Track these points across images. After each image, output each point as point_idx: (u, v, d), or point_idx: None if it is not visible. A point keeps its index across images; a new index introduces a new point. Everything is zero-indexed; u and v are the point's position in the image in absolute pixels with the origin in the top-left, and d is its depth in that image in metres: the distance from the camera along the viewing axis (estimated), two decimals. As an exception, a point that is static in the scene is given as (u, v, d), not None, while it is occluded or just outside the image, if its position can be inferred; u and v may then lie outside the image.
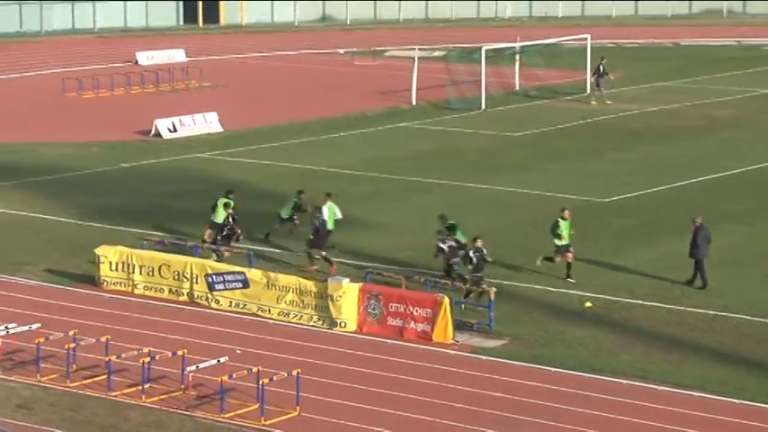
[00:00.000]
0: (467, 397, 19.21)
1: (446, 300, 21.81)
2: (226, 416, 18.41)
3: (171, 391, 19.21)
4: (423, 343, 21.61)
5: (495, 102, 45.02)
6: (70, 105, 45.29)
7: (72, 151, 37.28)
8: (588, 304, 23.68)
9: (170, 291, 23.79)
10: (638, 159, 36.57)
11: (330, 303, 22.35)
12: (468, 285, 23.33)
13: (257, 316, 22.93)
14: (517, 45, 49.03)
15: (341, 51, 58.42)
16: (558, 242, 24.76)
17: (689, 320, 22.79)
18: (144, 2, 65.70)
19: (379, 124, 41.78)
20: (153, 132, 39.39)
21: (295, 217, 26.84)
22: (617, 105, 44.92)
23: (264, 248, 26.51)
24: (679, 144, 38.71)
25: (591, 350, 21.33)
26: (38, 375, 19.79)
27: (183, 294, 23.69)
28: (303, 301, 22.65)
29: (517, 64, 48.61)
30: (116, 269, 24.20)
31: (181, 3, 66.76)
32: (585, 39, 48.78)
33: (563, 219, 24.89)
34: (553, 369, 20.34)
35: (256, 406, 18.43)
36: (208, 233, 26.36)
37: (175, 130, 39.52)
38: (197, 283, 23.54)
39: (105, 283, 24.31)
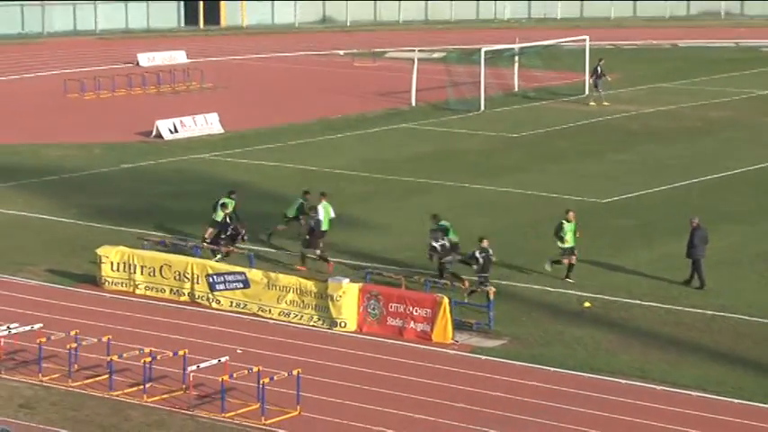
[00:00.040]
0: (466, 396, 19.28)
1: (445, 300, 21.91)
2: (227, 415, 18.48)
3: (172, 391, 19.28)
4: (422, 343, 21.69)
5: (494, 103, 45.13)
6: (71, 106, 45.38)
7: (73, 152, 37.36)
8: (587, 304, 23.77)
9: (171, 291, 23.88)
10: (637, 160, 36.66)
11: (330, 303, 22.45)
12: (467, 285, 23.45)
13: (258, 316, 23.02)
14: (516, 46, 49.14)
15: (341, 53, 58.52)
16: (561, 245, 24.75)
17: (687, 320, 22.87)
18: (145, 3, 65.83)
19: (378, 125, 41.87)
20: (154, 133, 39.49)
21: (300, 218, 26.96)
22: (615, 106, 45.02)
23: (261, 248, 26.60)
24: (677, 145, 38.81)
25: (590, 350, 21.41)
26: (40, 375, 19.87)
27: (184, 294, 23.78)
28: (303, 301, 22.75)
29: (516, 65, 48.72)
30: (117, 269, 24.29)
31: (182, 4, 66.88)
32: (584, 40, 48.89)
33: (567, 221, 24.88)
34: (552, 369, 20.41)
35: (257, 405, 18.49)
36: (209, 232, 26.48)
37: (176, 131, 39.62)
38: (198, 283, 23.62)
39: (107, 283, 24.40)
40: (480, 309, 22.62)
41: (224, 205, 26.27)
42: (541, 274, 25.21)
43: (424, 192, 32.43)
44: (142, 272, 24.11)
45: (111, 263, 24.32)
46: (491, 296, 22.42)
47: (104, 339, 20.35)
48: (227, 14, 67.95)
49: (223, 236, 25.90)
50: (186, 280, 23.72)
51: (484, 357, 21.02)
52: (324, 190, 28.02)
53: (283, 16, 68.58)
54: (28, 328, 20.94)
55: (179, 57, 55.41)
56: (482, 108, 44.18)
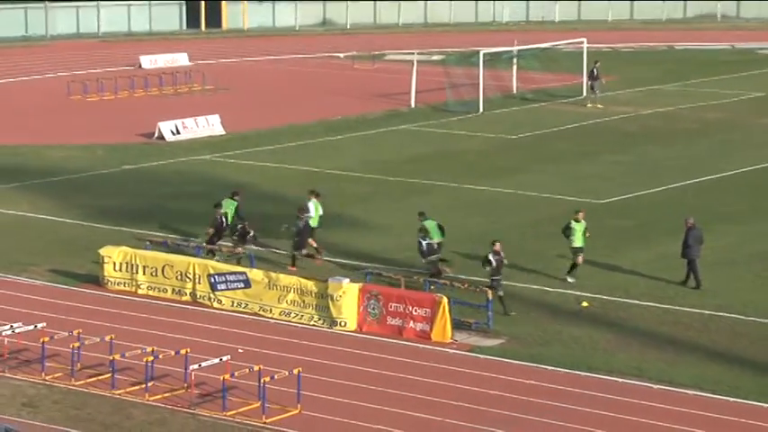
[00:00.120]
0: (465, 395, 19.37)
1: (444, 299, 22.05)
2: (228, 414, 18.56)
3: (174, 390, 19.37)
4: (422, 342, 21.81)
5: (492, 104, 45.30)
6: (74, 108, 45.54)
7: (76, 153, 37.51)
8: (585, 304, 23.89)
9: (173, 291, 24.03)
10: (634, 161, 36.80)
11: (330, 303, 22.59)
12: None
13: (259, 315, 23.14)
14: (514, 49, 49.28)
15: (341, 55, 58.69)
16: (570, 244, 24.78)
17: (684, 320, 22.97)
18: (147, 6, 66.04)
19: (378, 127, 42.05)
20: (156, 135, 39.65)
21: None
22: (613, 108, 45.22)
23: (261, 249, 26.77)
24: (674, 146, 38.97)
25: (587, 349, 21.52)
26: (43, 374, 19.96)
27: (186, 294, 23.92)
28: (304, 301, 22.89)
29: (514, 67, 48.90)
30: (120, 269, 24.43)
31: (184, 7, 67.09)
32: (582, 43, 49.11)
33: (576, 221, 24.98)
34: (550, 368, 20.50)
35: (258, 404, 18.57)
36: (212, 232, 26.71)
37: (178, 133, 39.80)
38: (200, 283, 23.76)
39: (109, 283, 24.54)
40: (480, 308, 22.77)
41: (218, 206, 26.47)
42: (540, 274, 25.37)
43: (423, 192, 32.59)
44: (144, 272, 24.25)
45: (114, 263, 24.46)
46: (489, 296, 22.57)
47: (107, 339, 20.44)
48: (229, 17, 68.16)
49: (235, 236, 25.97)
50: (188, 280, 23.86)
51: (483, 356, 21.13)
52: (314, 189, 28.21)
53: (284, 19, 68.78)
54: (31, 327, 21.01)
55: (181, 59, 55.59)
56: (481, 110, 44.36)
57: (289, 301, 23.04)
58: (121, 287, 24.40)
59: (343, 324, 22.54)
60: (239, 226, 25.95)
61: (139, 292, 24.27)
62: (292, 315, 22.97)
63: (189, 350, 19.90)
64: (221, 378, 18.80)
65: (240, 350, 21.08)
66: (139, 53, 55.98)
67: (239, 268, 23.97)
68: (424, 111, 44.77)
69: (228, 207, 26.85)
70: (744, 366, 20.75)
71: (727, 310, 23.37)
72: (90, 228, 28.98)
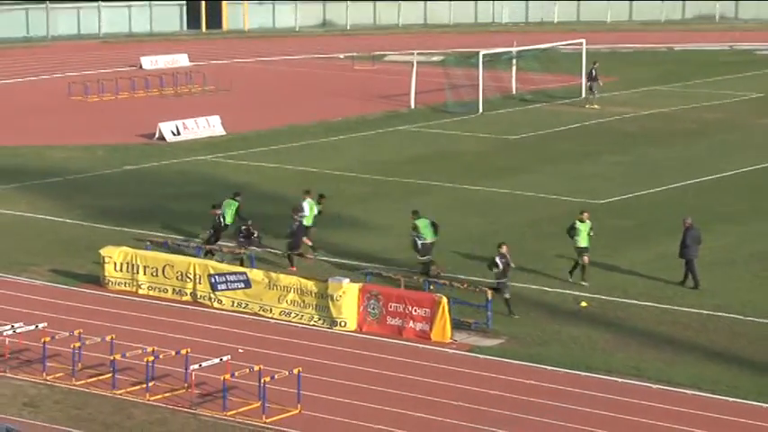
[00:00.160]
0: (465, 395, 19.43)
1: (444, 300, 22.12)
2: (228, 414, 18.60)
3: (174, 390, 19.42)
4: (421, 342, 21.86)
5: (492, 105, 45.38)
6: (75, 109, 45.63)
7: (77, 154, 37.59)
8: (583, 304, 23.96)
9: (174, 291, 24.10)
10: (633, 162, 36.86)
11: (330, 303, 22.66)
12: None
13: (259, 315, 23.20)
14: (514, 50, 49.39)
15: (341, 56, 58.79)
16: (575, 244, 24.82)
17: (683, 320, 23.02)
18: (148, 7, 66.15)
19: (378, 127, 42.13)
20: (157, 135, 39.74)
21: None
22: (612, 109, 45.33)
23: (254, 248, 26.78)
24: (673, 147, 39.05)
25: (586, 349, 21.58)
26: (44, 374, 20.02)
27: (187, 294, 23.99)
28: (304, 301, 22.97)
29: (514, 68, 49.00)
30: (120, 269, 24.50)
31: (184, 8, 67.21)
32: (581, 44, 49.23)
33: (581, 221, 25.03)
34: (549, 367, 20.55)
35: (258, 404, 18.62)
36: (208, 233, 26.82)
37: (179, 134, 39.90)
38: (200, 283, 23.83)
39: (110, 283, 24.61)
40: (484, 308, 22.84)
41: (215, 207, 26.59)
42: (540, 274, 25.45)
43: (423, 193, 32.67)
44: (145, 272, 24.32)
45: (115, 263, 24.52)
46: (488, 296, 22.64)
47: (108, 339, 20.49)
48: (229, 18, 68.28)
49: (241, 238, 26.04)
50: (188, 280, 23.93)
51: (482, 356, 21.19)
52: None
53: (284, 20, 68.89)
54: (32, 327, 21.07)
55: (181, 60, 55.70)
56: (480, 110, 44.45)
57: (289, 301, 23.11)
58: (122, 287, 24.47)
59: (343, 324, 22.61)
60: (243, 227, 26.01)
61: (140, 292, 24.34)
62: (292, 315, 23.04)
63: (189, 350, 19.95)
64: (222, 378, 18.86)
65: (240, 350, 21.13)
66: (140, 54, 56.08)
67: (239, 268, 24.04)
68: (424, 111, 44.85)
69: (230, 207, 26.95)
70: (742, 366, 20.81)
71: (726, 310, 23.42)
72: (90, 228, 29.05)
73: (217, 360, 19.56)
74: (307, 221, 26.49)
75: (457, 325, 22.25)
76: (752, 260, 26.62)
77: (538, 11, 71.02)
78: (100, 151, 38.04)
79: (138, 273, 24.37)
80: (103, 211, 30.60)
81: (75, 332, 20.75)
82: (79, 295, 24.31)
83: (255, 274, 23.54)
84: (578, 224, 25.05)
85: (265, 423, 18.38)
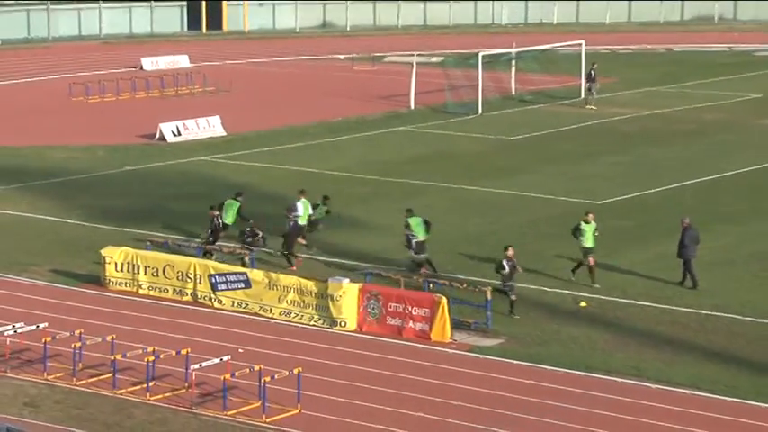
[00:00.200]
0: (464, 394, 19.47)
1: (444, 300, 22.18)
2: (228, 413, 18.64)
3: (175, 389, 19.45)
4: (421, 342, 21.91)
5: (491, 106, 45.46)
6: (76, 109, 45.71)
7: (78, 154, 37.65)
8: (583, 304, 24.00)
9: (174, 291, 24.15)
10: (632, 162, 36.94)
11: (330, 303, 22.72)
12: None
13: (259, 315, 23.25)
14: (513, 51, 49.49)
15: (341, 57, 58.87)
16: (580, 245, 24.85)
17: (682, 320, 23.06)
18: (149, 8, 66.24)
19: (378, 128, 42.20)
20: (157, 136, 39.81)
21: (312, 217, 27.48)
22: (611, 109, 45.42)
23: (248, 248, 26.83)
24: (672, 147, 39.12)
25: (585, 349, 21.62)
26: (45, 374, 20.06)
27: (187, 294, 24.04)
28: (304, 301, 23.02)
29: (513, 69, 49.09)
30: (121, 270, 24.56)
31: (185, 9, 67.30)
32: (580, 44, 49.33)
33: (585, 222, 25.04)
34: (549, 367, 20.60)
35: (258, 404, 18.66)
36: (221, 234, 26.94)
37: (179, 134, 39.97)
38: (200, 283, 23.89)
39: (110, 283, 24.67)
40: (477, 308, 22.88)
41: (212, 207, 26.66)
42: (539, 273, 25.50)
43: (422, 193, 32.73)
44: (145, 272, 24.38)
45: (115, 263, 24.57)
46: (488, 296, 22.69)
47: (108, 338, 20.53)
48: (230, 19, 68.37)
49: (248, 239, 26.09)
50: (189, 280, 23.98)
51: (482, 356, 21.23)
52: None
53: (284, 21, 68.99)
54: (33, 327, 21.10)
55: (182, 61, 55.80)
56: (480, 111, 44.53)
57: (289, 301, 23.16)
58: (123, 287, 24.52)
59: (342, 324, 22.67)
60: (248, 229, 26.06)
61: (140, 292, 24.39)
62: (292, 315, 23.10)
63: (190, 350, 19.98)
64: (222, 378, 18.89)
65: (240, 350, 21.17)
66: (141, 55, 56.18)
67: (240, 268, 24.10)
68: (424, 112, 44.92)
69: (231, 207, 27.04)
70: (741, 366, 20.85)
71: (725, 310, 23.47)
72: (91, 228, 29.11)
73: (217, 360, 19.60)
74: (301, 221, 26.60)
75: (457, 325, 22.30)
76: (751, 260, 26.67)
77: (537, 12, 71.11)
78: (100, 152, 38.10)
79: (138, 273, 24.42)
80: (104, 212, 30.66)
81: (76, 332, 20.79)
82: (80, 295, 24.37)
83: (255, 275, 23.60)
84: (583, 225, 25.09)
85: (265, 423, 18.41)
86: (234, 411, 18.74)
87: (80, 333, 20.73)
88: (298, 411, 18.77)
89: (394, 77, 51.31)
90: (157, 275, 24.28)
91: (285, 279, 23.38)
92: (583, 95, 46.88)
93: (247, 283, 23.52)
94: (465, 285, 23.58)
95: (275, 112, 44.89)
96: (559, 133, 41.44)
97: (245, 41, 64.89)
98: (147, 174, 35.39)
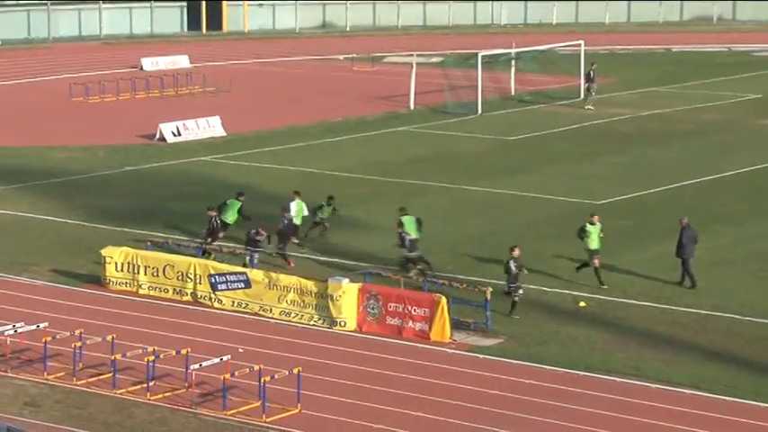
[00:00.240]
0: (464, 394, 19.50)
1: (443, 299, 22.21)
2: (228, 413, 18.67)
3: (175, 389, 19.49)
4: (421, 342, 21.94)
5: (491, 106, 45.50)
6: (76, 110, 45.75)
7: (78, 155, 37.69)
8: (582, 304, 24.04)
9: (174, 291, 24.19)
10: (631, 162, 36.97)
11: (330, 303, 22.75)
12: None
13: (259, 315, 23.28)
14: (513, 51, 49.54)
15: (341, 57, 58.91)
16: (586, 247, 24.86)
17: (681, 320, 23.09)
18: (149, 9, 66.28)
19: (378, 128, 42.24)
20: (157, 136, 39.85)
21: (320, 218, 27.65)
22: (610, 110, 45.47)
23: (260, 249, 26.91)
24: (671, 147, 39.16)
25: (585, 349, 21.66)
26: (45, 373, 20.09)
27: (187, 294, 24.08)
28: (304, 301, 23.06)
29: (513, 69, 49.13)
30: (121, 270, 24.59)
31: (185, 10, 67.35)
32: (579, 45, 49.38)
33: (591, 223, 25.05)
34: (548, 367, 20.63)
35: (258, 403, 18.69)
36: (220, 234, 26.99)
37: (179, 134, 40.01)
38: (200, 283, 23.92)
39: (111, 283, 24.70)
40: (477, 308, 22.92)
41: (210, 208, 26.69)
42: (538, 273, 25.54)
43: (422, 193, 32.77)
44: (145, 272, 24.41)
45: (116, 263, 24.61)
46: (488, 296, 22.73)
47: (108, 338, 20.56)
48: (230, 20, 68.41)
49: (257, 238, 26.09)
50: (189, 280, 24.02)
51: (481, 356, 21.27)
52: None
53: (284, 21, 69.03)
54: (33, 327, 21.13)
55: (182, 61, 55.84)
56: (479, 111, 44.57)
57: (289, 301, 23.20)
58: (123, 287, 24.56)
59: (342, 324, 22.70)
60: (253, 230, 26.11)
61: (141, 292, 24.42)
62: (292, 315, 23.13)
63: (190, 350, 20.01)
64: (222, 377, 18.92)
65: (240, 350, 21.20)
66: (141, 55, 56.22)
67: (240, 268, 24.14)
68: (423, 112, 44.97)
69: (233, 207, 27.20)
70: (740, 366, 20.88)
71: (724, 310, 23.50)
72: (91, 228, 29.14)
73: (217, 360, 19.63)
74: (296, 220, 26.75)
75: (456, 325, 22.33)
76: (750, 260, 26.71)
77: (536, 12, 71.15)
78: (101, 152, 38.14)
79: (138, 273, 24.46)
80: (104, 212, 30.70)
81: (76, 332, 20.82)
82: (80, 295, 24.40)
83: (255, 275, 23.63)
84: (588, 227, 25.09)
85: (265, 422, 18.44)
86: (234, 411, 18.76)
87: (80, 333, 20.76)
88: (297, 411, 18.80)
89: (394, 78, 51.35)
90: (157, 275, 24.32)
91: (285, 279, 23.42)
92: (582, 96, 46.91)
93: (247, 283, 23.56)
94: (464, 285, 23.60)
95: (275, 113, 44.93)
96: (559, 133, 41.48)
97: (245, 42, 64.93)
98: (147, 174, 35.43)
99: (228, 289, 23.72)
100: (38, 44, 62.18)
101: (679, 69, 55.39)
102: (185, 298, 24.09)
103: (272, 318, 23.17)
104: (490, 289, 22.93)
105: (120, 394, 19.43)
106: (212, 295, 23.89)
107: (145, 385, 19.47)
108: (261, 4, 69.02)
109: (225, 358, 19.74)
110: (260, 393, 18.73)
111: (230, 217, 27.23)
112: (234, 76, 52.61)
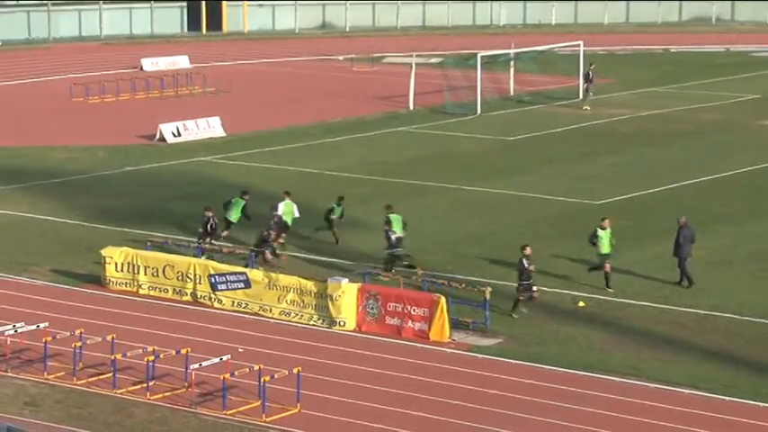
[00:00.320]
0: (463, 394, 19.54)
1: (443, 299, 22.25)
2: (228, 413, 18.69)
3: (175, 389, 19.52)
4: (420, 341, 21.97)
5: (490, 106, 45.56)
6: (76, 110, 45.78)
7: (78, 155, 37.73)
8: (581, 304, 24.07)
9: (174, 291, 24.23)
10: (630, 163, 37.02)
11: (330, 303, 22.79)
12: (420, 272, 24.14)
13: (259, 315, 23.32)
14: (512, 51, 49.58)
15: (340, 58, 58.95)
16: (598, 251, 24.84)
17: (680, 320, 23.12)
18: (149, 9, 66.31)
19: (377, 128, 42.29)
20: (157, 137, 39.90)
21: (333, 219, 27.80)
22: (609, 110, 45.53)
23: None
24: (670, 148, 39.21)
25: (584, 348, 21.69)
26: (45, 373, 20.12)
27: (187, 294, 24.11)
28: (303, 301, 23.10)
29: (512, 70, 49.18)
30: (121, 270, 24.63)
31: (185, 10, 67.39)
32: (578, 45, 49.44)
33: (602, 228, 25.03)
34: (547, 367, 20.67)
35: (258, 403, 18.72)
36: (225, 233, 27.04)
37: (179, 135, 40.05)
38: (200, 283, 23.96)
39: (111, 283, 24.74)
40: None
41: (207, 208, 26.76)
42: (538, 273, 25.52)
43: (421, 193, 32.82)
44: (145, 272, 24.45)
45: (116, 263, 24.65)
46: (487, 296, 22.77)
47: (108, 338, 20.59)
48: (229, 20, 68.47)
49: (269, 239, 26.11)
50: (189, 280, 24.06)
51: (480, 356, 21.30)
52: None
53: (284, 22, 69.09)
54: (33, 327, 21.16)
55: (182, 61, 55.89)
56: (478, 112, 44.62)
57: (288, 301, 23.24)
58: (123, 287, 24.59)
59: (342, 324, 22.75)
60: (265, 232, 26.12)
61: (140, 292, 24.46)
62: (292, 315, 23.18)
63: (189, 350, 20.05)
64: (222, 377, 18.95)
65: (240, 350, 21.23)
66: (141, 56, 56.28)
67: (239, 268, 24.18)
68: (423, 113, 45.01)
69: (237, 205, 27.39)
70: (739, 366, 20.92)
71: (723, 310, 23.54)
72: (91, 228, 29.18)
73: (217, 359, 19.66)
74: (288, 220, 26.88)
75: (455, 324, 22.38)
76: (749, 260, 26.75)
77: (535, 13, 71.22)
78: (101, 152, 38.18)
79: (138, 273, 24.49)
80: (104, 212, 30.75)
81: (77, 332, 20.85)
82: (80, 295, 24.43)
83: (255, 275, 23.68)
84: (600, 231, 25.05)
85: (265, 422, 18.46)
86: (234, 411, 18.79)
87: (80, 333, 20.79)
88: (297, 411, 18.83)
89: (393, 78, 51.41)
90: (157, 275, 24.35)
91: (285, 279, 23.46)
92: (581, 96, 46.96)
93: (247, 283, 23.60)
94: (464, 285, 23.64)
95: (275, 113, 44.97)
96: (558, 134, 41.53)
97: (244, 42, 64.98)
98: (147, 174, 35.47)
99: (228, 289, 23.76)
100: (38, 44, 62.22)
101: (678, 70, 55.46)
102: (185, 298, 24.13)
103: (271, 318, 23.20)
104: (489, 289, 22.99)
105: (120, 394, 19.46)
106: (212, 295, 23.93)
107: (145, 385, 19.49)
108: (261, 5, 69.07)
109: (225, 358, 19.77)
110: (260, 393, 18.76)
111: (234, 215, 27.38)
112: (234, 76, 52.66)
